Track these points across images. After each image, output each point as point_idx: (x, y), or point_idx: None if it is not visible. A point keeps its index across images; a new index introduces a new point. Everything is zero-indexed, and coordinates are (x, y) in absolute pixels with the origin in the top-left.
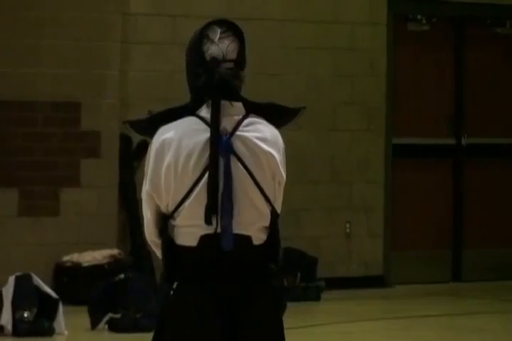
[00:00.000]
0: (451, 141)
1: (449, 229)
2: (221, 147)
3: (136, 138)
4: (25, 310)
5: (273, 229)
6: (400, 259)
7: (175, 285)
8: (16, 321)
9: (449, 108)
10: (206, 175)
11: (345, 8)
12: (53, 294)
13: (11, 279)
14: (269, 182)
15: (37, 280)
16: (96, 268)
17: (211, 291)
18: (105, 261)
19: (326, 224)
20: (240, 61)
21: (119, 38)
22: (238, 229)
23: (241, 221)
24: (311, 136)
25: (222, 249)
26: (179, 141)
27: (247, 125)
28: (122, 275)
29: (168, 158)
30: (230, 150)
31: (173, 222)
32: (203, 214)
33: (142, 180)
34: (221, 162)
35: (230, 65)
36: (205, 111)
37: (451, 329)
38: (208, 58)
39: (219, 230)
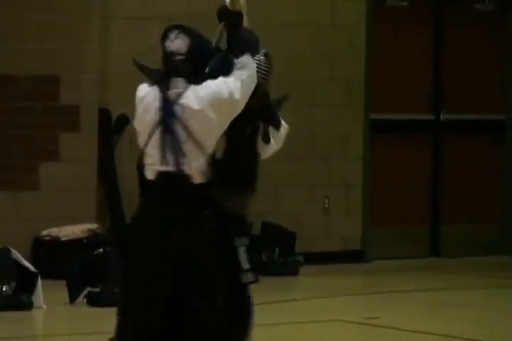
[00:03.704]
0: (430, 117)
1: (427, 204)
2: (166, 111)
3: (116, 111)
4: (4, 284)
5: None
6: (378, 234)
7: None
8: None
9: (428, 84)
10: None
11: None
12: (32, 268)
13: None
14: (204, 135)
15: (16, 254)
16: (75, 243)
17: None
18: (84, 235)
19: (305, 199)
20: (191, 54)
21: (99, 12)
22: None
23: (184, 162)
24: (290, 112)
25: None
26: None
27: (187, 95)
28: (101, 250)
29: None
30: (172, 114)
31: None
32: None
33: (121, 153)
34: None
35: (182, 57)
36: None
37: (432, 305)
38: (167, 51)
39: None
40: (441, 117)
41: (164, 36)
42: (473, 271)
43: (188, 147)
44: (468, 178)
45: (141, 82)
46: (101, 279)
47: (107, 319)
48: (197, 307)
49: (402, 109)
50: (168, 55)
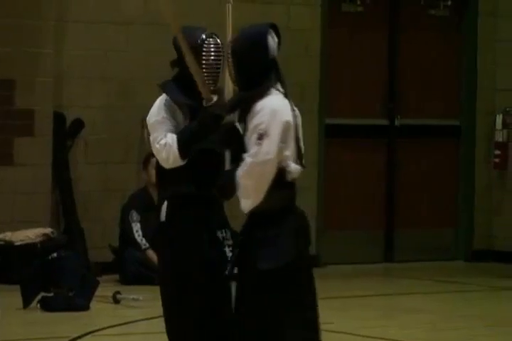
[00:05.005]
0: (385, 122)
1: (382, 209)
2: None
3: (71, 116)
4: None
5: None
6: (332, 239)
7: None
8: None
9: (383, 89)
10: None
11: None
12: None
13: None
14: None
15: None
16: (29, 247)
17: None
18: (38, 239)
19: None
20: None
21: (54, 16)
22: None
23: None
24: None
25: None
26: None
27: None
28: (55, 254)
29: None
30: None
31: None
32: None
33: (76, 158)
34: None
35: None
36: None
37: (386, 310)
38: None
39: None
40: (396, 122)
41: None
42: (427, 276)
43: None
44: (423, 183)
45: (96, 86)
46: (55, 284)
47: (61, 324)
48: None
49: (356, 114)
50: None
